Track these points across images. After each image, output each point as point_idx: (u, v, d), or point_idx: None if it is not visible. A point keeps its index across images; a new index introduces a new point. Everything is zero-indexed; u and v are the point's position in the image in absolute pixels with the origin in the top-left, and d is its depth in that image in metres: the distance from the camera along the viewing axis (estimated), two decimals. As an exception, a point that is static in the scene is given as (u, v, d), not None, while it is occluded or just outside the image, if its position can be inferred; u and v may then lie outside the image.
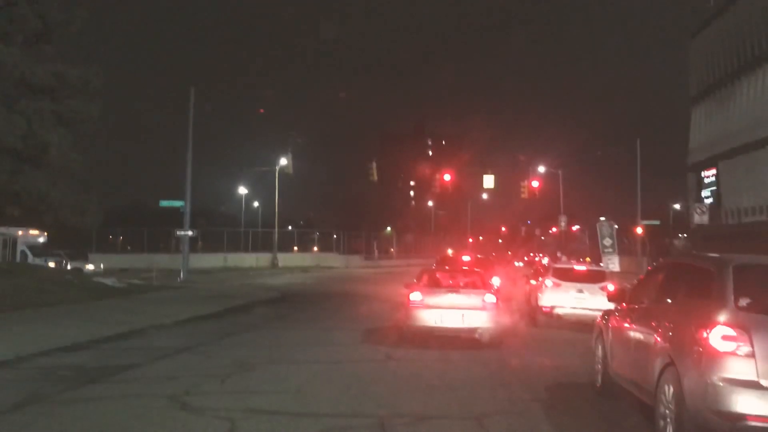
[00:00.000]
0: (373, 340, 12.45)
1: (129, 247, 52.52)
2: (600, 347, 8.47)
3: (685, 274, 6.60)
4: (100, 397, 7.29)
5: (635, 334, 7.05)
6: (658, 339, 6.21)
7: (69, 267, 31.51)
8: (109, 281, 24.40)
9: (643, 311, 7.18)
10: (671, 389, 5.68)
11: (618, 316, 8.03)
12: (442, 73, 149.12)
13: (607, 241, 25.40)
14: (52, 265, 29.64)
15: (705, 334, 5.31)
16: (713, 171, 27.20)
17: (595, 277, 16.55)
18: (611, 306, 15.85)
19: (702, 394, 5.21)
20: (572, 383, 9.19)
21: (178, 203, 31.05)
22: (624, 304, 8.00)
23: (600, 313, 15.59)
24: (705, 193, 28.09)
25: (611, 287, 15.38)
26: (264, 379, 8.48)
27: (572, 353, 11.97)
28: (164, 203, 31.85)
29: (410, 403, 7.43)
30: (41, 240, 33.81)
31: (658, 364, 6.07)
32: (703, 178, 28.38)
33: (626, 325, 7.50)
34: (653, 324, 6.52)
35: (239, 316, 17.00)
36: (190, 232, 30.96)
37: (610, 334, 8.09)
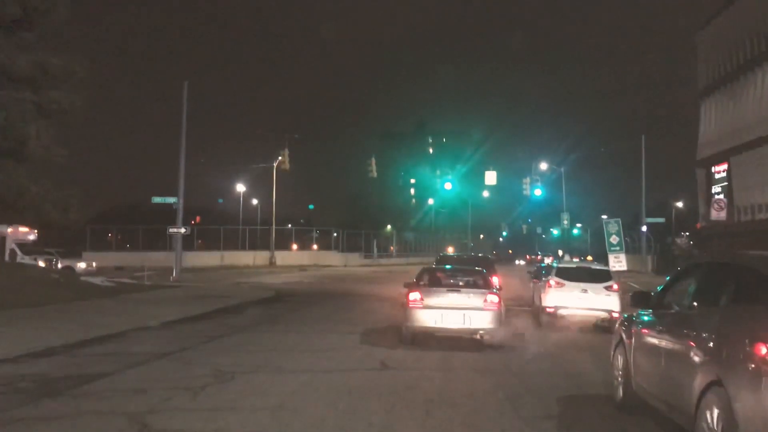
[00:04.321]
0: (369, 345, 11.68)
1: (128, 245, 51.82)
2: (621, 357, 7.57)
3: (728, 276, 5.63)
4: (51, 416, 6.35)
5: (667, 345, 6.13)
6: (699, 352, 5.28)
7: (60, 265, 30.79)
8: (97, 280, 23.62)
9: (676, 318, 6.27)
10: (717, 414, 4.75)
11: (643, 322, 7.11)
12: (443, 71, 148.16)
13: (614, 239, 24.47)
14: (42, 263, 28.84)
15: (764, 349, 4.39)
16: (724, 166, 26.28)
17: (599, 277, 16.21)
18: (615, 306, 15.56)
19: (762, 423, 4.28)
20: (587, 396, 8.35)
21: (171, 200, 30.35)
22: (648, 309, 7.10)
23: (604, 314, 15.55)
24: (715, 189, 27.13)
25: (616, 287, 15.68)
26: (242, 392, 7.53)
27: (582, 358, 11.39)
28: (157, 200, 31.17)
29: (406, 422, 6.53)
30: (31, 238, 32.99)
31: (698, 382, 5.14)
32: (713, 174, 27.43)
33: (654, 333, 6.58)
34: (691, 333, 5.59)
35: (229, 317, 16.21)
36: (183, 230, 30.24)
37: (633, 342, 7.18)
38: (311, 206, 77.99)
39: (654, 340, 6.56)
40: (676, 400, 5.68)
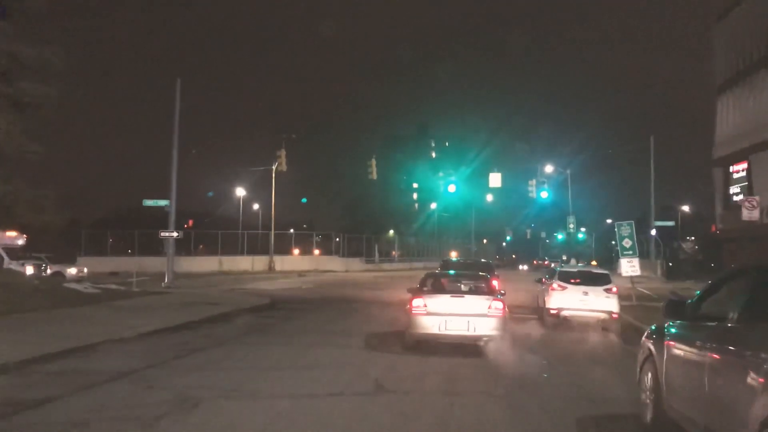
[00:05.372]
0: (363, 361, 10.55)
1: (129, 251, 50.79)
2: (650, 374, 6.53)
3: None
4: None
5: (711, 363, 5.09)
6: (757, 374, 4.25)
7: (49, 271, 29.73)
8: (81, 287, 22.46)
9: (722, 332, 5.15)
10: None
11: (678, 335, 6.00)
12: (444, 74, 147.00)
13: (627, 243, 23.30)
14: (30, 268, 27.74)
15: None
16: (743, 165, 25.00)
17: (599, 280, 16.92)
18: (614, 308, 15.77)
19: None
20: (610, 416, 7.34)
21: (162, 202, 29.23)
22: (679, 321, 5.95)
23: (604, 315, 15.83)
24: (734, 189, 25.79)
25: (615, 289, 16.48)
26: (204, 425, 6.28)
27: (600, 372, 10.54)
28: (148, 202, 30.01)
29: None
30: (20, 242, 31.90)
31: (758, 409, 4.13)
32: (731, 174, 26.12)
33: (694, 349, 5.51)
34: (745, 351, 4.57)
35: (216, 327, 15.06)
36: (174, 234, 29.08)
37: (666, 358, 6.06)
38: (304, 200, 76.54)
39: (693, 357, 5.53)
40: (725, 429, 4.69)
